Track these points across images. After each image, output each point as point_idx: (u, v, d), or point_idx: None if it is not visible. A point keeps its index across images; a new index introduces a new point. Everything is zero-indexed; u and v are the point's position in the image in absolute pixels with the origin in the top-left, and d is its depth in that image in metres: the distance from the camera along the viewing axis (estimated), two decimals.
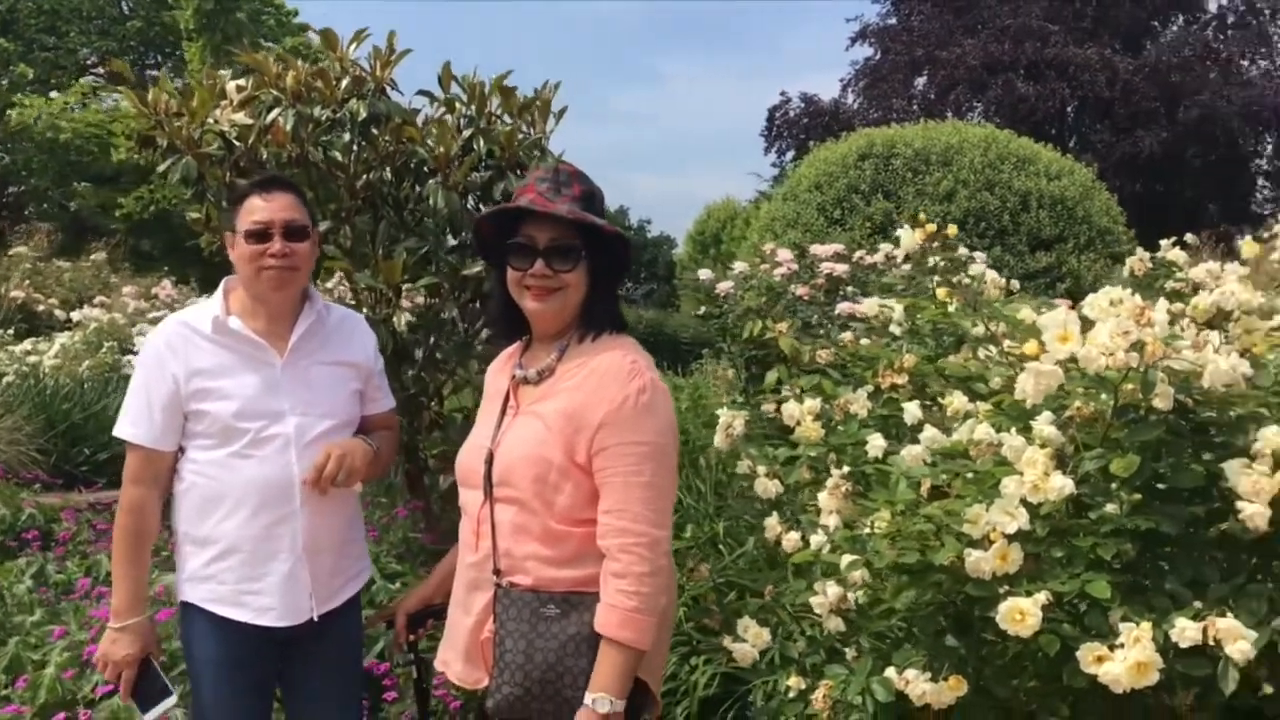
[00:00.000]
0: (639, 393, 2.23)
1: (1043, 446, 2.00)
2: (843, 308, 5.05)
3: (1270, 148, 22.43)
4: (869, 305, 3.10)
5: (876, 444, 2.39)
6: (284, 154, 4.43)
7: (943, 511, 1.99)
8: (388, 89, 4.57)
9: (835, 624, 2.28)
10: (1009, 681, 2.16)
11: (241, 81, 4.55)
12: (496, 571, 2.31)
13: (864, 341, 2.98)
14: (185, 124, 4.27)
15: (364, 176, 4.59)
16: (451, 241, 4.70)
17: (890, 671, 2.17)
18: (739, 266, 5.85)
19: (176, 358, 2.59)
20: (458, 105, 4.61)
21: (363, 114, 4.35)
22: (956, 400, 2.29)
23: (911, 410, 2.23)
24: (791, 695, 2.38)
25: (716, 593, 2.94)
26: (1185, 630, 1.82)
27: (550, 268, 2.31)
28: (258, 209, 2.59)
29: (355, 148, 4.53)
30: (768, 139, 24.44)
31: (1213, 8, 23.61)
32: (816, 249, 5.61)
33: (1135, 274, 2.93)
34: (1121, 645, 1.83)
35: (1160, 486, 2.00)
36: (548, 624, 2.23)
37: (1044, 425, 2.05)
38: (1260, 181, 23.56)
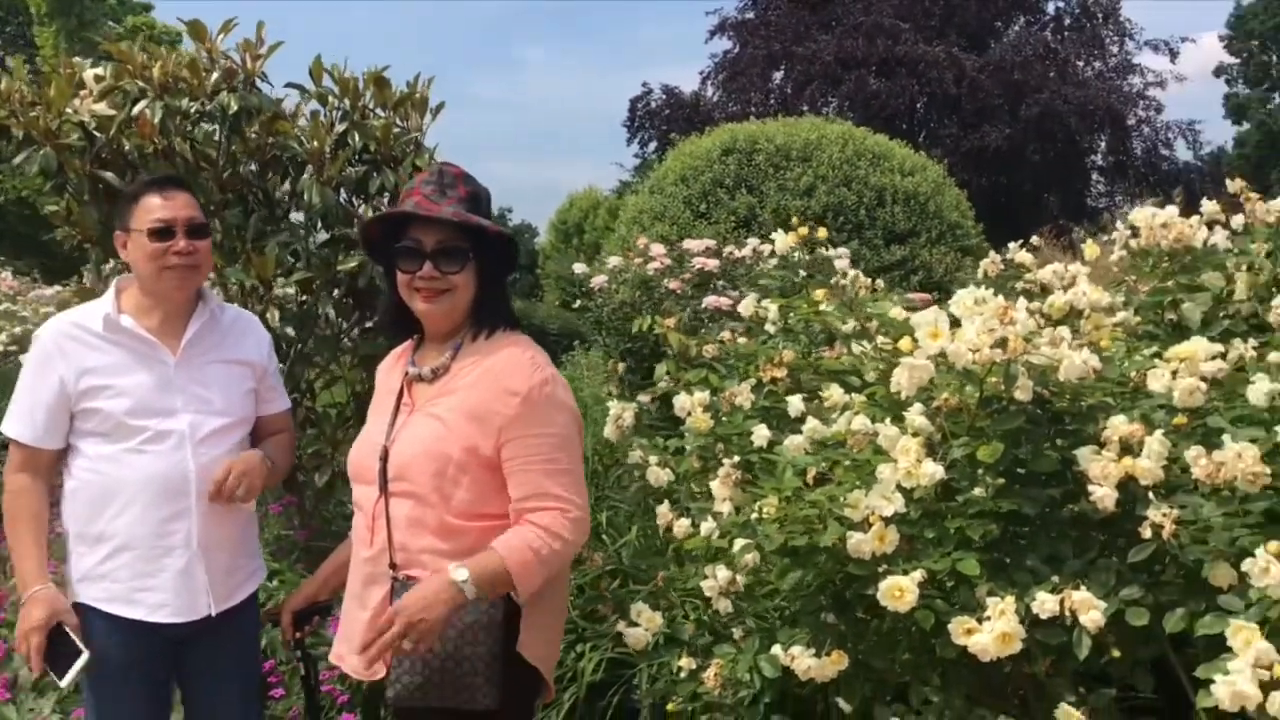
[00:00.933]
0: (542, 384, 2.33)
1: (915, 436, 2.16)
2: (709, 301, 5.20)
3: (1104, 144, 23.68)
4: (746, 305, 3.23)
5: (761, 434, 2.52)
6: (149, 146, 4.34)
7: (826, 497, 2.12)
8: (258, 82, 4.52)
9: (724, 606, 2.41)
10: (885, 655, 2.31)
11: (100, 71, 4.44)
12: (393, 565, 2.36)
13: (741, 340, 3.11)
14: (42, 114, 4.14)
15: (232, 170, 4.53)
16: (323, 236, 4.68)
17: (776, 649, 2.30)
18: (612, 260, 5.95)
19: (64, 358, 2.57)
20: (331, 99, 4.58)
21: (234, 107, 4.29)
22: (835, 393, 2.43)
23: (794, 403, 2.37)
24: (683, 675, 2.49)
25: (609, 579, 3.03)
26: (1045, 603, 2.00)
27: (438, 270, 2.37)
28: (158, 207, 2.59)
29: (224, 141, 4.47)
30: (630, 129, 24.66)
31: (1051, 10, 24.82)
32: (689, 244, 5.76)
33: (989, 275, 3.13)
34: (989, 618, 1.99)
35: (1020, 471, 2.17)
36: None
37: (915, 416, 2.21)
38: (1095, 176, 24.88)
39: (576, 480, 2.32)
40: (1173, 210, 2.64)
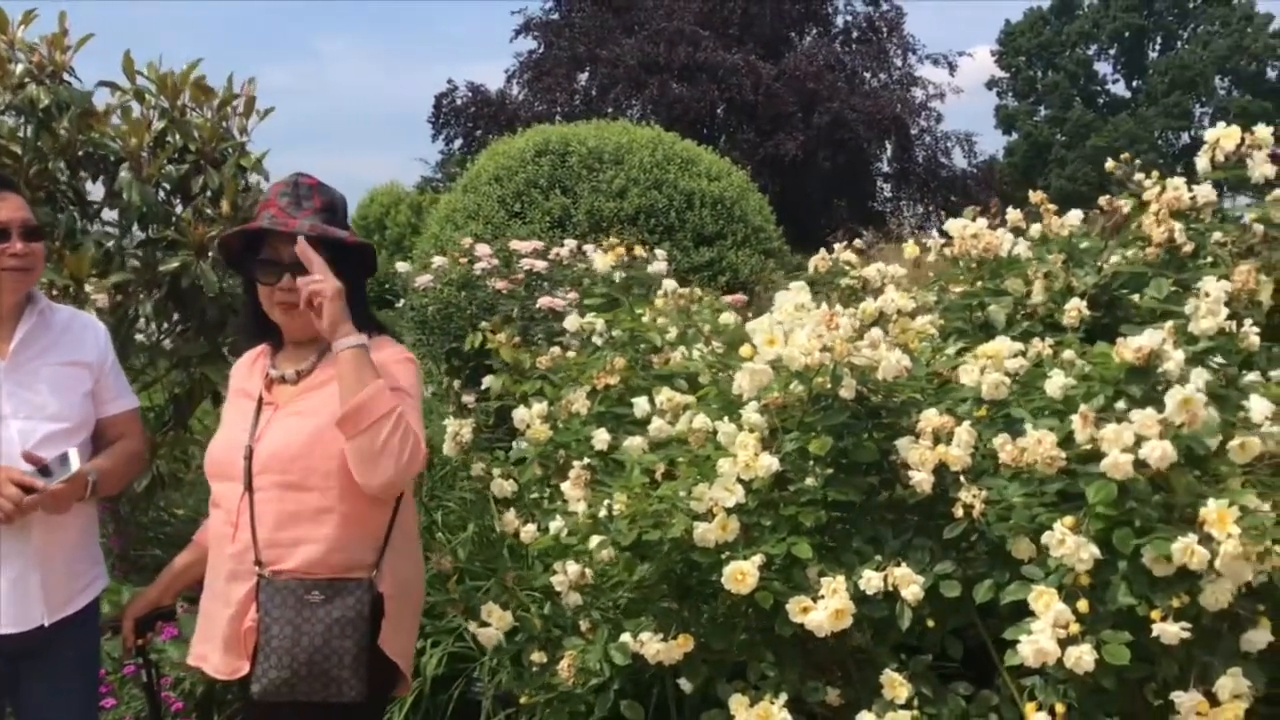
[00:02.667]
0: (407, 360, 2.45)
1: (751, 432, 2.35)
2: (543, 302, 5.32)
3: (889, 152, 25.02)
4: (571, 321, 3.38)
5: (601, 438, 2.67)
6: None
7: (672, 491, 2.29)
8: (66, 76, 4.37)
9: (574, 599, 2.54)
10: (724, 637, 2.50)
11: None
12: (258, 562, 2.39)
13: (570, 354, 3.25)
14: None
15: (40, 167, 4.37)
16: (139, 235, 4.56)
17: (625, 637, 2.46)
18: (436, 260, 5.98)
19: None
20: (148, 96, 4.47)
21: (44, 101, 4.15)
22: (677, 396, 2.60)
23: (640, 404, 2.53)
24: (535, 669, 2.62)
25: (456, 579, 3.11)
26: (871, 580, 2.23)
27: (297, 282, 2.41)
28: None
29: (32, 137, 4.30)
30: (435, 126, 24.40)
31: (840, 23, 25.99)
32: (516, 244, 5.85)
33: (819, 270, 3.38)
34: (823, 597, 2.21)
35: (843, 462, 2.40)
36: (313, 609, 2.32)
37: (751, 413, 2.40)
38: (880, 183, 26.25)
39: (420, 448, 2.33)
40: (983, 222, 2.93)
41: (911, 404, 2.38)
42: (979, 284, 2.85)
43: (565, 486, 2.48)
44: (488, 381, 3.11)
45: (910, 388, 2.43)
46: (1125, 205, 2.83)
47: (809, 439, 2.34)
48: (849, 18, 25.73)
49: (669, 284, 3.33)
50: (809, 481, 2.31)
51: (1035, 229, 3.05)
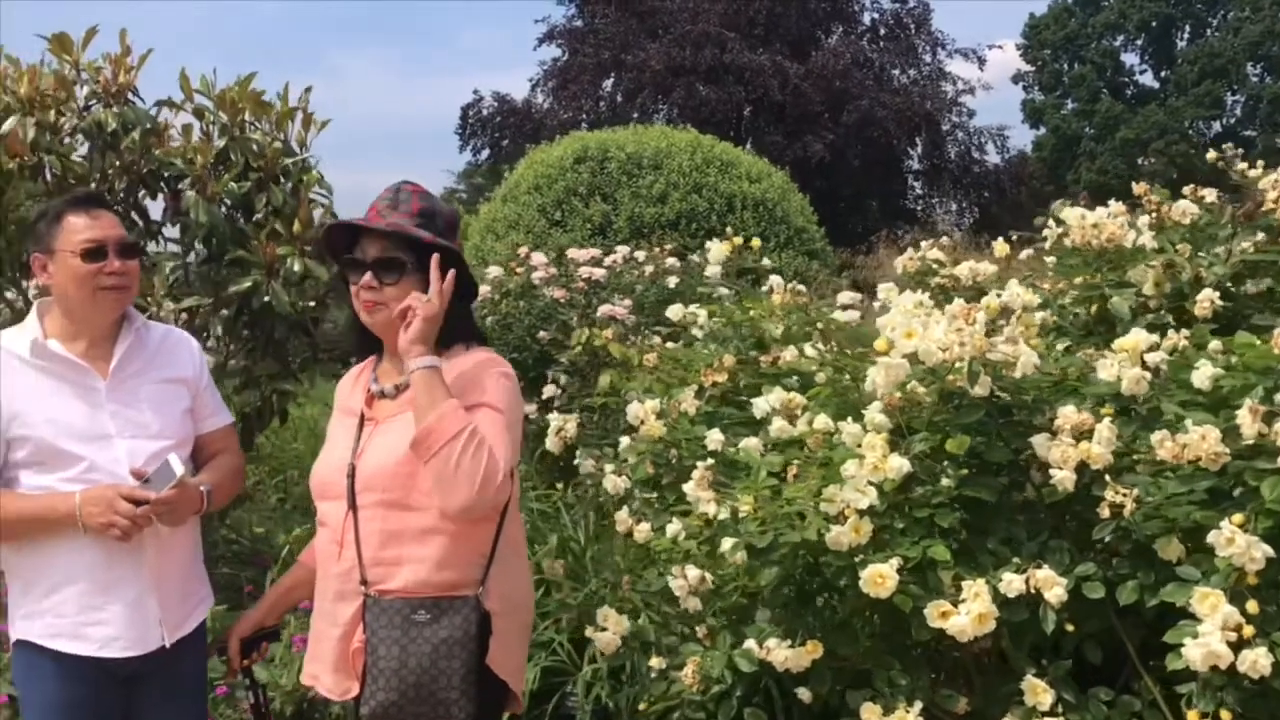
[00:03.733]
0: (502, 375, 2.37)
1: (877, 432, 2.28)
2: (604, 310, 5.27)
3: (920, 149, 24.84)
4: (674, 311, 3.32)
5: (715, 438, 2.60)
6: (18, 163, 4.14)
7: (803, 494, 2.23)
8: (129, 96, 4.36)
9: (694, 604, 2.48)
10: (850, 643, 2.43)
11: None
12: (364, 581, 2.34)
13: (669, 345, 3.20)
14: None
15: (106, 188, 4.36)
16: (202, 252, 4.55)
17: (750, 644, 2.39)
18: (493, 271, 5.95)
19: None
20: (208, 114, 4.45)
21: (112, 124, 4.14)
22: (796, 397, 2.53)
23: (760, 404, 2.46)
24: (653, 675, 2.55)
25: (570, 586, 3.06)
26: (1012, 583, 2.15)
27: (377, 280, 2.37)
28: (86, 227, 2.48)
29: (99, 158, 4.29)
30: (462, 137, 24.45)
31: (867, 20, 25.86)
32: (574, 253, 5.82)
33: (908, 270, 3.31)
34: (964, 600, 2.13)
35: (975, 461, 2.32)
36: (419, 629, 2.27)
37: (875, 414, 2.33)
38: (911, 180, 26.07)
39: (507, 466, 2.27)
40: (1103, 211, 2.84)
41: (1044, 401, 2.30)
42: (1098, 276, 2.76)
43: (688, 487, 2.42)
44: (603, 381, 3.05)
45: (1040, 385, 2.35)
46: (1270, 192, 2.71)
47: (938, 438, 2.27)
48: (876, 14, 25.62)
49: (776, 280, 3.26)
50: (944, 482, 2.24)
51: (1142, 220, 2.96)
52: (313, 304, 4.45)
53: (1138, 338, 2.25)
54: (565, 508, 4.41)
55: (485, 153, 24.68)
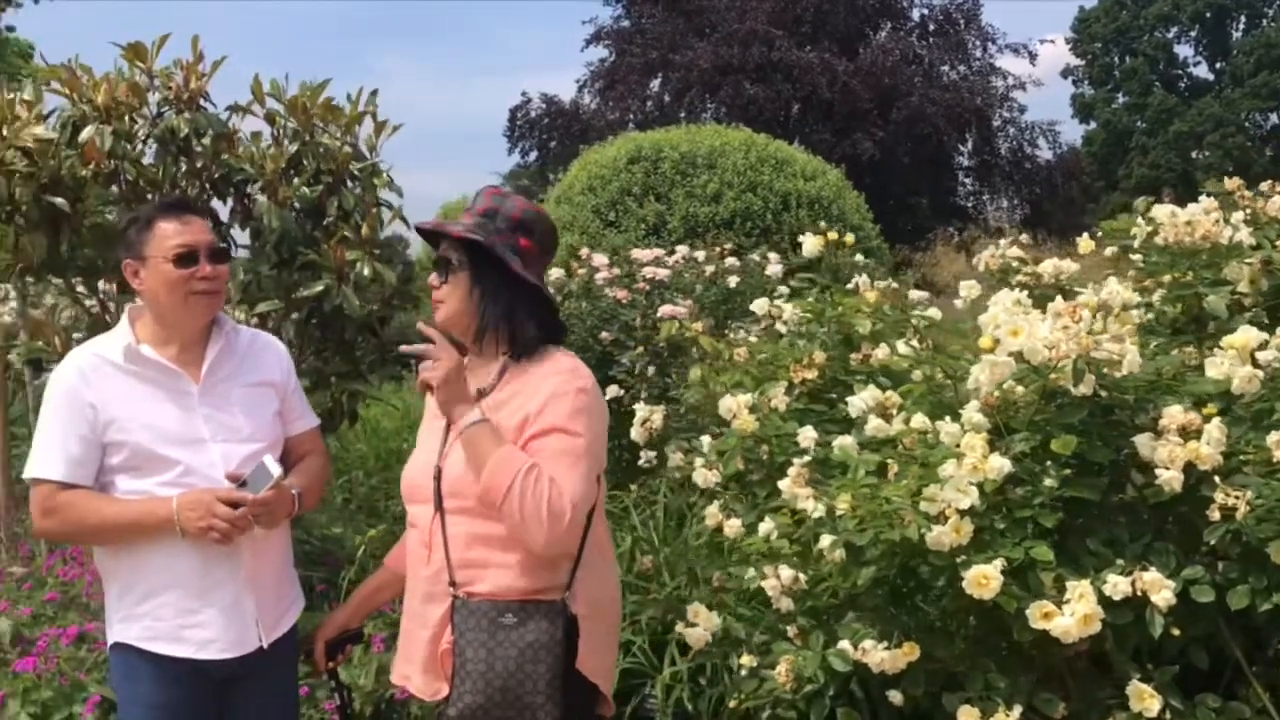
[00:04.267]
0: (579, 392, 2.33)
1: (975, 431, 2.25)
2: (665, 311, 5.25)
3: (970, 146, 24.58)
4: (759, 305, 3.30)
5: (807, 435, 2.58)
6: (95, 170, 4.20)
7: (906, 493, 2.20)
8: (201, 102, 4.41)
9: (786, 604, 2.46)
10: (945, 645, 2.40)
11: (27, 95, 4.27)
12: (452, 583, 2.35)
13: (752, 339, 3.18)
14: None
15: (179, 194, 4.41)
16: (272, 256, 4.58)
17: (844, 644, 2.37)
18: (554, 272, 5.95)
19: (90, 388, 2.47)
20: (279, 119, 4.48)
21: (184, 130, 4.18)
22: (892, 395, 2.50)
23: (856, 402, 2.43)
24: (744, 674, 2.54)
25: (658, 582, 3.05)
26: (1118, 585, 2.11)
27: (437, 279, 2.43)
28: (177, 233, 2.50)
29: (172, 164, 4.34)
30: (511, 139, 24.58)
31: (916, 16, 25.65)
32: (637, 253, 5.81)
33: (990, 269, 3.26)
34: (1068, 601, 2.09)
35: (1077, 461, 2.28)
36: (506, 633, 2.28)
37: (973, 413, 2.30)
38: (961, 177, 25.81)
39: (583, 489, 2.27)
40: (1196, 208, 2.79)
41: (1145, 401, 2.26)
42: (1189, 274, 2.70)
43: (784, 485, 2.40)
44: (693, 374, 3.03)
45: (1139, 384, 2.30)
46: None
47: (1038, 438, 2.23)
48: (925, 10, 25.40)
49: (862, 279, 3.23)
50: (1047, 482, 2.20)
51: (1236, 216, 2.89)
52: (377, 306, 4.48)
53: (1248, 335, 2.20)
54: (634, 508, 4.40)
55: (533, 154, 24.77)
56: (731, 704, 2.53)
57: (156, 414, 2.49)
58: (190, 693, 2.50)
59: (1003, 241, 3.45)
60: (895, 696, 2.46)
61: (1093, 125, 41.22)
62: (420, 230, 2.58)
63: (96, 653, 3.63)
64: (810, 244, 3.35)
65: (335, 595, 4.32)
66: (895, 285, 3.25)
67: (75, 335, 4.36)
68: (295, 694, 2.79)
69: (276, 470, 2.44)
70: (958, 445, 2.27)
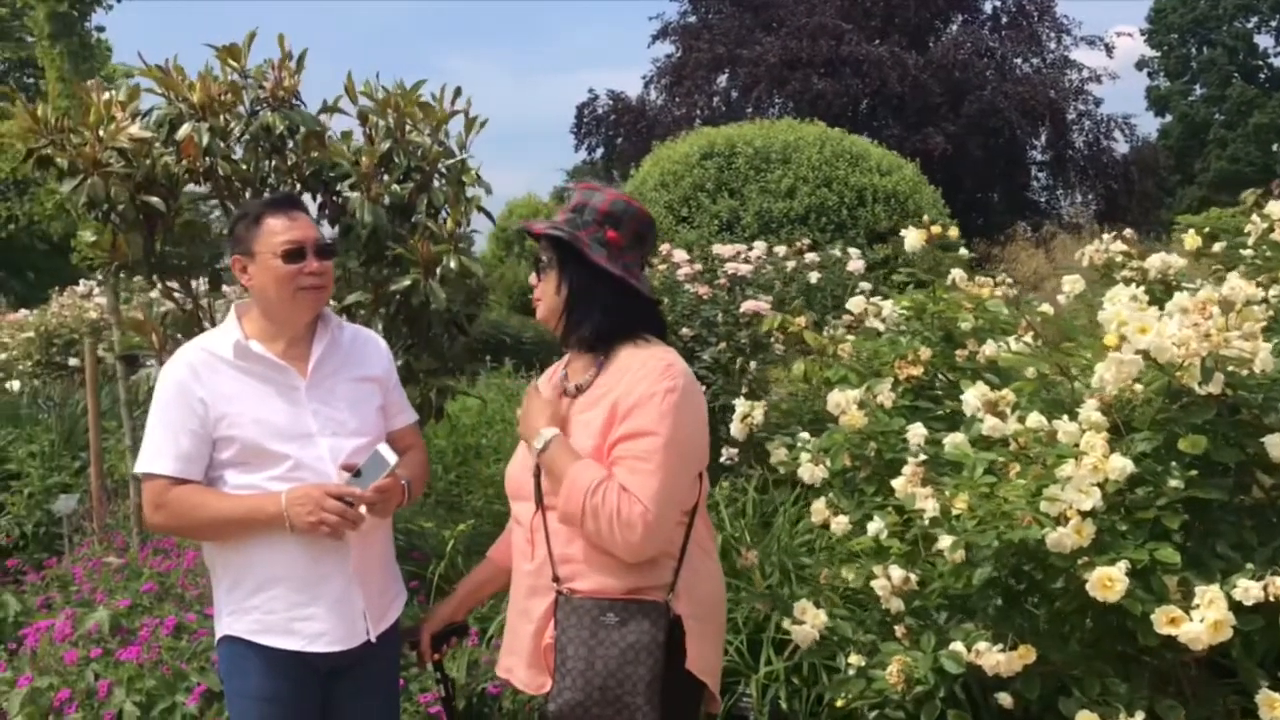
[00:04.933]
0: (667, 392, 2.30)
1: (1095, 430, 2.19)
2: (748, 306, 5.22)
3: (1044, 139, 24.12)
4: (855, 303, 3.26)
5: (917, 432, 2.54)
6: (185, 167, 4.26)
7: (1024, 492, 2.15)
8: (293, 99, 4.46)
9: (896, 604, 2.43)
10: (1061, 648, 2.35)
11: (120, 95, 4.35)
12: (555, 579, 2.35)
13: (850, 337, 3.15)
14: (92, 142, 4.04)
15: (271, 190, 4.47)
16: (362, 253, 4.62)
17: (957, 645, 2.32)
18: None
19: (201, 384, 2.51)
20: (371, 117, 4.52)
21: (279, 127, 4.23)
22: (1008, 393, 2.45)
23: (971, 399, 2.39)
24: (852, 673, 2.51)
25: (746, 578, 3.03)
26: (1249, 590, 2.04)
27: (535, 276, 2.47)
28: (284, 228, 2.53)
29: (266, 161, 4.40)
30: (578, 135, 24.63)
31: (988, 9, 25.24)
32: (719, 249, 5.78)
33: (1095, 264, 3.19)
34: (1197, 606, 2.03)
35: (1202, 462, 2.22)
36: (608, 632, 2.28)
37: (1091, 412, 2.25)
38: (1035, 171, 25.35)
39: (663, 492, 2.25)
40: None
41: (1274, 399, 2.19)
42: None
43: (898, 484, 2.36)
44: (796, 369, 3.00)
45: (1266, 382, 2.23)
46: None
47: (1160, 437, 2.18)
48: (997, 3, 24.93)
49: (957, 273, 3.17)
50: (1172, 483, 2.14)
51: None
52: (461, 301, 4.50)
53: None
54: (723, 505, 4.38)
55: (600, 151, 24.80)
56: (839, 703, 2.50)
57: (266, 409, 2.52)
58: (298, 685, 2.53)
59: (1104, 236, 3.38)
60: (1005, 699, 2.41)
61: (1168, 118, 40.32)
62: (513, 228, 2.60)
63: (195, 643, 3.69)
64: (912, 238, 3.29)
65: (424, 589, 4.37)
66: (990, 281, 3.17)
67: (172, 332, 4.43)
68: (397, 686, 2.81)
69: (393, 457, 2.46)
70: (1076, 444, 2.21)
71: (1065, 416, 2.26)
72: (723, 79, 24.22)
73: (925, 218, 10.11)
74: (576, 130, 24.59)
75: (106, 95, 4.23)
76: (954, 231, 3.33)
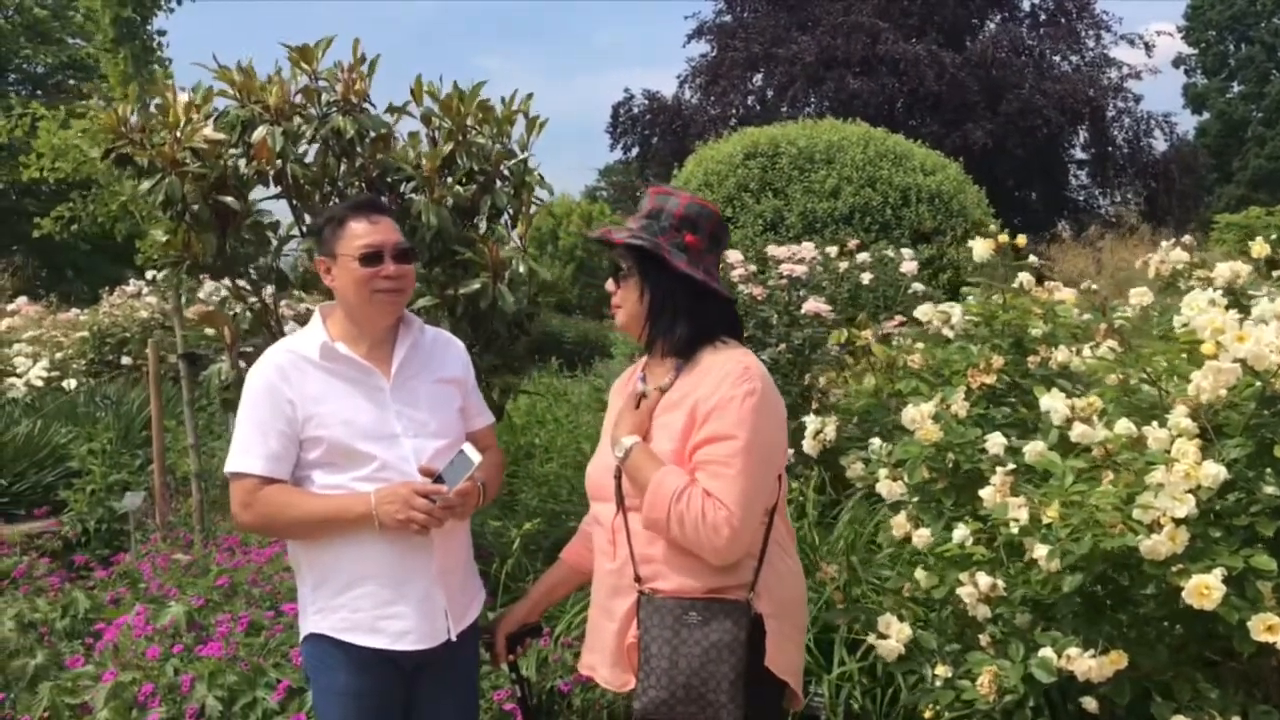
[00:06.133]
0: (746, 395, 2.33)
1: (1186, 437, 2.21)
2: (808, 307, 5.23)
3: (1084, 136, 23.93)
4: (924, 310, 3.27)
5: (996, 441, 2.56)
6: (257, 169, 4.33)
7: (1115, 499, 2.17)
8: (362, 103, 4.52)
9: (983, 613, 2.44)
10: (1150, 654, 2.36)
11: (187, 96, 4.42)
12: (637, 579, 2.39)
13: (919, 345, 3.15)
14: (170, 142, 4.12)
15: (338, 192, 4.53)
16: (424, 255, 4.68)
17: (1046, 652, 2.34)
18: None
19: (289, 384, 2.55)
20: (434, 119, 4.58)
21: (350, 131, 4.29)
22: (1094, 400, 2.47)
23: (1058, 408, 2.40)
24: (938, 684, 2.52)
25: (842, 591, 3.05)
26: None
27: (611, 284, 2.50)
28: (365, 232, 2.57)
29: (334, 163, 4.46)
30: (613, 135, 24.66)
31: (1026, 6, 25.07)
32: (773, 250, 5.79)
33: (1160, 273, 3.19)
34: None
35: None
36: (690, 631, 2.31)
37: (1180, 418, 2.26)
38: (1073, 169, 25.16)
39: (746, 495, 2.29)
40: None
41: None
42: None
43: (986, 494, 2.38)
44: (867, 383, 3.02)
45: None
46: None
47: (1252, 443, 2.19)
48: (1036, 0, 24.76)
49: (1025, 277, 3.18)
50: (1268, 490, 2.15)
51: None
52: (525, 302, 4.54)
53: None
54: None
55: (635, 150, 24.83)
56: (926, 714, 2.51)
57: (352, 410, 2.56)
58: (383, 681, 2.58)
59: (1164, 245, 3.37)
60: (1090, 703, 2.43)
61: (1205, 116, 39.89)
62: (588, 238, 2.64)
63: (271, 639, 3.76)
64: (980, 248, 3.30)
65: (490, 587, 4.42)
66: (1093, 287, 3.18)
67: (243, 330, 4.49)
68: (476, 683, 2.85)
69: (477, 457, 2.50)
70: (1165, 451, 2.23)
71: (1154, 423, 2.27)
72: (758, 78, 24.20)
73: (984, 223, 9.99)
74: (612, 130, 24.63)
75: (183, 96, 4.31)
76: (1021, 239, 3.31)
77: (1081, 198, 25.06)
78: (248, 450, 2.55)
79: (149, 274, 11.07)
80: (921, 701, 2.52)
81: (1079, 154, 24.71)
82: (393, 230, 2.64)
